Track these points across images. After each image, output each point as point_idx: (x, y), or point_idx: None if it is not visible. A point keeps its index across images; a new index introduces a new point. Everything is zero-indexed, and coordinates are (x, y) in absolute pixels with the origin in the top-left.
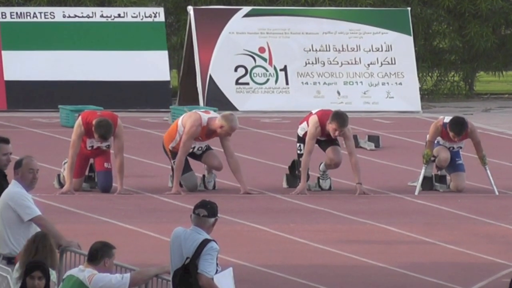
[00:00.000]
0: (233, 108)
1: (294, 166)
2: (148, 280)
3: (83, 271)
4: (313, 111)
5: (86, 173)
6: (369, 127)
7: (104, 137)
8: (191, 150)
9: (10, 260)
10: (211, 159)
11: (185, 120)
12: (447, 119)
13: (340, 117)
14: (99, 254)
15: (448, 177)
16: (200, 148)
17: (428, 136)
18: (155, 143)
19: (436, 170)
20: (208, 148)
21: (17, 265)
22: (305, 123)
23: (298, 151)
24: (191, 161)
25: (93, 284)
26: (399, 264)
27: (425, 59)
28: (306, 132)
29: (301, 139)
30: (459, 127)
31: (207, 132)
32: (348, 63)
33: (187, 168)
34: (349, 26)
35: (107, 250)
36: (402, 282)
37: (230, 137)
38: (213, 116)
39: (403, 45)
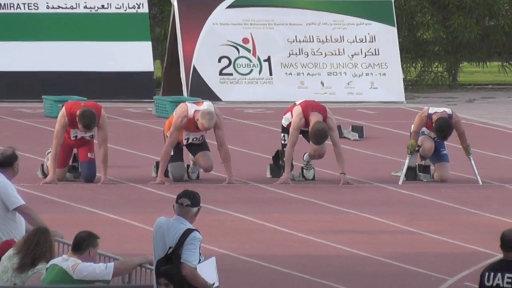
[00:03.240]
0: (216, 98)
1: (278, 156)
2: (131, 270)
3: (66, 261)
4: (297, 102)
5: (70, 163)
6: (353, 118)
7: (88, 127)
8: (186, 142)
9: None
10: (203, 160)
11: (177, 109)
12: (432, 109)
13: (317, 138)
14: (84, 244)
15: (432, 167)
16: (195, 139)
17: (413, 126)
18: (139, 133)
19: (420, 160)
20: (205, 147)
21: (10, 252)
22: (289, 113)
23: (282, 141)
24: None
25: (77, 274)
26: (382, 253)
27: (409, 50)
28: (290, 123)
29: (285, 130)
30: (443, 132)
31: (195, 123)
32: (332, 54)
33: (178, 157)
34: (333, 17)
35: (92, 239)
36: (386, 271)
37: (221, 127)
38: (199, 109)
39: (387, 36)
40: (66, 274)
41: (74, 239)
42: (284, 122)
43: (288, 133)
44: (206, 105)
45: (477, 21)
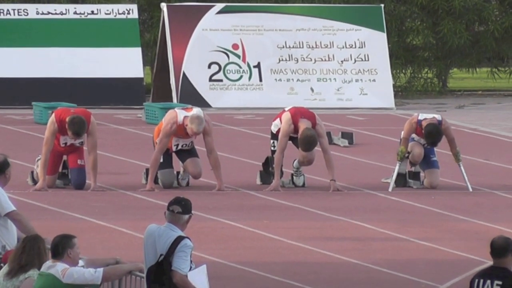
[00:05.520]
0: (206, 105)
1: (268, 163)
2: (121, 276)
3: (53, 267)
4: (286, 108)
5: (60, 170)
6: (342, 124)
7: (77, 134)
8: (175, 148)
9: None
10: (192, 167)
11: (166, 115)
12: (422, 116)
13: (306, 145)
14: (60, 248)
15: (422, 174)
16: (185, 145)
17: (402, 133)
18: (129, 140)
19: (410, 166)
20: (194, 153)
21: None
22: (278, 120)
23: (272, 148)
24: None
25: (66, 278)
26: (372, 260)
27: (399, 56)
28: (279, 129)
29: (275, 136)
30: (433, 138)
31: (184, 129)
32: (322, 60)
33: (167, 164)
34: (323, 23)
35: (67, 241)
36: (376, 278)
37: (210, 133)
38: (188, 114)
39: (376, 42)
40: (55, 279)
41: (51, 245)
42: (273, 129)
43: (277, 139)
44: (196, 110)
45: (466, 27)
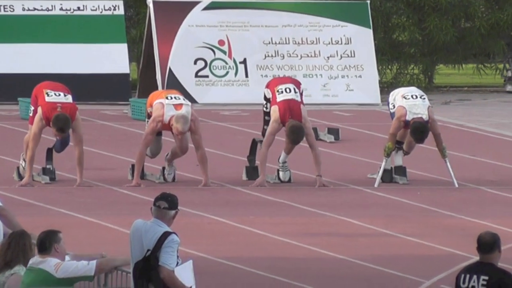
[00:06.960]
0: (192, 100)
1: (255, 145)
2: (113, 268)
3: (45, 262)
4: (278, 97)
5: (45, 165)
6: (328, 120)
7: (62, 131)
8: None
9: None
10: (179, 141)
11: (154, 108)
12: (409, 116)
13: (293, 135)
14: (47, 242)
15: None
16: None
17: (390, 129)
18: (115, 135)
19: (403, 154)
20: None
21: None
22: (269, 90)
23: (264, 109)
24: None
25: (60, 272)
26: (359, 256)
27: (385, 52)
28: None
29: (268, 99)
30: (420, 134)
31: (170, 128)
32: (308, 56)
33: (157, 132)
34: (309, 19)
35: (53, 235)
36: (362, 274)
37: (197, 131)
38: (175, 114)
39: (362, 38)
40: (48, 274)
41: (36, 242)
42: (267, 95)
43: (270, 102)
44: (184, 109)
45: (452, 23)
